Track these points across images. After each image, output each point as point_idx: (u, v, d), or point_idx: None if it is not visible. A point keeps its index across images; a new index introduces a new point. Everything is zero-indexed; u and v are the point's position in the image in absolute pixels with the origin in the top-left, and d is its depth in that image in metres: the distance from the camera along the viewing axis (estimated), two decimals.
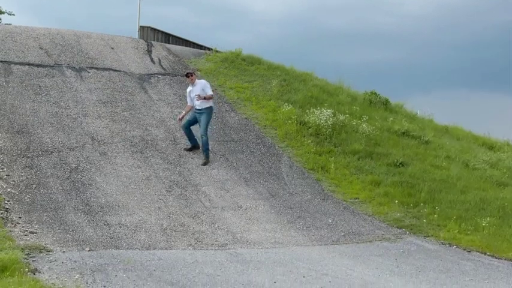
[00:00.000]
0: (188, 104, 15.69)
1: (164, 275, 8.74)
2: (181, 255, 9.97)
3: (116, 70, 19.80)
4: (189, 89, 15.55)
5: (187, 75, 15.52)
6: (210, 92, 15.39)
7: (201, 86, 15.31)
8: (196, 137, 15.52)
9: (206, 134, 15.08)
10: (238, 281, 8.82)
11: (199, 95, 15.16)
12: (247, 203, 13.23)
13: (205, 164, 14.79)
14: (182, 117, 15.47)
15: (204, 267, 9.32)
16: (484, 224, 12.70)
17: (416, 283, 9.36)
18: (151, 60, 21.66)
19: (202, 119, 15.21)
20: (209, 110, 15.35)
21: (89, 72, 19.20)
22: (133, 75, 19.74)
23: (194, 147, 15.44)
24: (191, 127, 15.55)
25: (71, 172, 13.20)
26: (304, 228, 12.29)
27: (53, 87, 17.56)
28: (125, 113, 16.91)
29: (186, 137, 15.64)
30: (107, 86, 18.44)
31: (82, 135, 15.10)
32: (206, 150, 14.96)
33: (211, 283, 8.56)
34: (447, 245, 11.94)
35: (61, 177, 12.91)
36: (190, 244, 10.68)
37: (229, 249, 10.65)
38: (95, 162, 13.86)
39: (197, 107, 15.32)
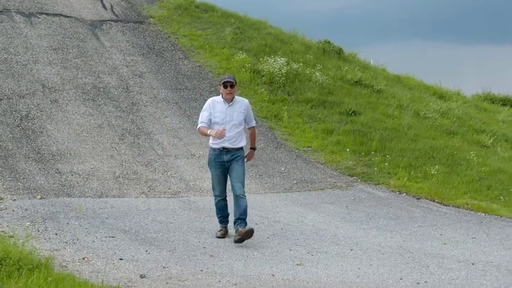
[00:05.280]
0: (200, 126, 8.84)
1: (117, 223, 8.75)
2: (134, 203, 9.98)
3: (66, 16, 19.40)
4: (219, 106, 8.78)
5: (227, 84, 8.70)
6: (254, 122, 9.27)
7: (243, 109, 8.86)
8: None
9: (244, 192, 8.87)
10: (191, 228, 8.88)
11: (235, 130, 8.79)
12: (201, 151, 13.24)
13: (249, 236, 8.52)
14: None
15: (157, 215, 9.36)
16: (433, 172, 12.96)
17: (367, 229, 9.55)
18: (103, 6, 21.25)
19: (238, 166, 8.78)
20: (243, 150, 9.05)
21: (38, 17, 18.78)
22: (85, 22, 19.37)
23: (227, 227, 8.99)
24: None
25: (21, 120, 13.01)
26: (257, 176, 12.38)
27: (2, 32, 17.16)
28: (77, 60, 16.64)
29: (216, 212, 8.99)
30: (57, 32, 18.08)
31: (32, 82, 14.84)
32: (246, 216, 8.70)
33: (164, 230, 8.61)
34: (397, 193, 12.18)
35: (11, 125, 12.71)
36: (143, 192, 10.68)
37: (182, 197, 10.70)
38: (45, 110, 13.67)
39: (227, 143, 8.71)
